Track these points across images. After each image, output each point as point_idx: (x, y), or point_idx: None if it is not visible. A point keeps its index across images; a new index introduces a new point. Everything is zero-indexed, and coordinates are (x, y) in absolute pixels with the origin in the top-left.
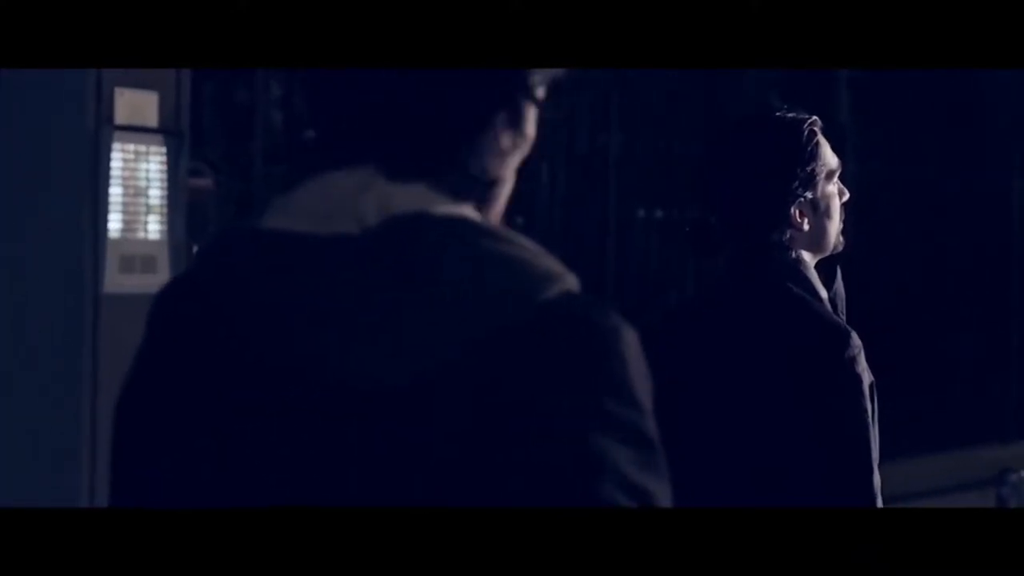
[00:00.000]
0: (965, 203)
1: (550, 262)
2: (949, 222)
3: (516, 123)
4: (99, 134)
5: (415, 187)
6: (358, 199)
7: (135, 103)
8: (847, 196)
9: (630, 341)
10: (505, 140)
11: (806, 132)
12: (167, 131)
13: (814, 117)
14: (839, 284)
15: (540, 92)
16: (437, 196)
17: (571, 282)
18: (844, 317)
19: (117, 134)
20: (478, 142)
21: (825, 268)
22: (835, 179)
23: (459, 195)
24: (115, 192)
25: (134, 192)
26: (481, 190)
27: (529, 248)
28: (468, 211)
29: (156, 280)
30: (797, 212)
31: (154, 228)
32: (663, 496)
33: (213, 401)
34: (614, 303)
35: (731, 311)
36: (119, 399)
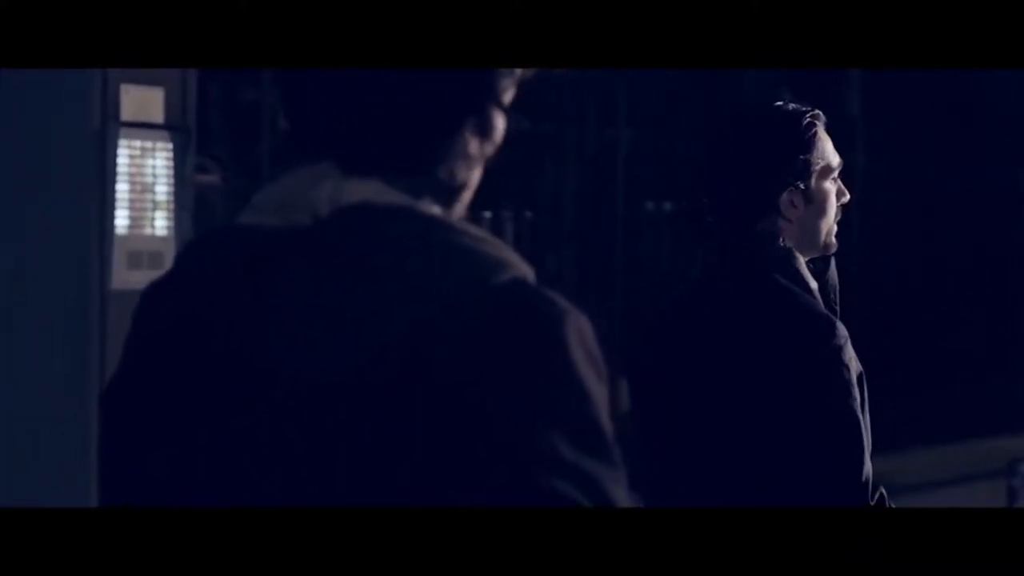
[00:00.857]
0: (977, 198)
1: (503, 252)
2: (960, 216)
3: (484, 128)
4: (105, 130)
5: (371, 183)
6: (312, 192)
7: (141, 99)
8: (847, 198)
9: (578, 329)
10: (473, 145)
11: (804, 123)
12: (173, 127)
13: (816, 111)
14: (832, 275)
15: (508, 96)
16: (393, 191)
17: (523, 271)
18: (837, 308)
19: (123, 131)
20: (445, 145)
21: (819, 259)
22: (833, 176)
23: (419, 194)
24: (122, 188)
25: (141, 188)
26: (445, 193)
27: (482, 238)
28: (421, 203)
29: None
30: (788, 201)
31: (161, 224)
32: (611, 481)
33: (189, 397)
34: (623, 298)
35: (718, 303)
36: (102, 396)
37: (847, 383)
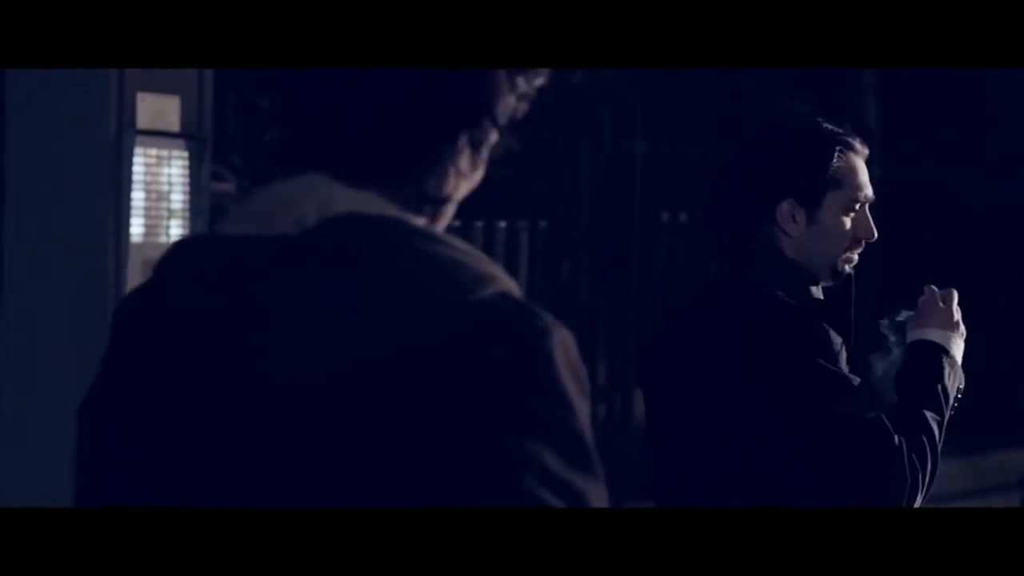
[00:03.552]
0: (994, 202)
1: (487, 265)
2: (977, 225)
3: (478, 143)
4: (121, 139)
5: (360, 194)
6: (300, 202)
7: (157, 108)
8: (873, 236)
9: (561, 342)
10: (464, 160)
11: (822, 139)
12: (189, 136)
13: (855, 138)
14: (849, 288)
15: (505, 111)
16: (380, 202)
17: (507, 285)
18: (852, 319)
19: (139, 139)
20: (437, 158)
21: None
22: (856, 207)
23: (408, 206)
24: (137, 197)
25: (156, 197)
26: (433, 205)
27: (467, 251)
28: (407, 216)
29: None
30: (788, 214)
31: (176, 233)
32: (594, 494)
33: (172, 405)
34: (637, 307)
35: (716, 312)
36: (81, 404)
37: (845, 382)
